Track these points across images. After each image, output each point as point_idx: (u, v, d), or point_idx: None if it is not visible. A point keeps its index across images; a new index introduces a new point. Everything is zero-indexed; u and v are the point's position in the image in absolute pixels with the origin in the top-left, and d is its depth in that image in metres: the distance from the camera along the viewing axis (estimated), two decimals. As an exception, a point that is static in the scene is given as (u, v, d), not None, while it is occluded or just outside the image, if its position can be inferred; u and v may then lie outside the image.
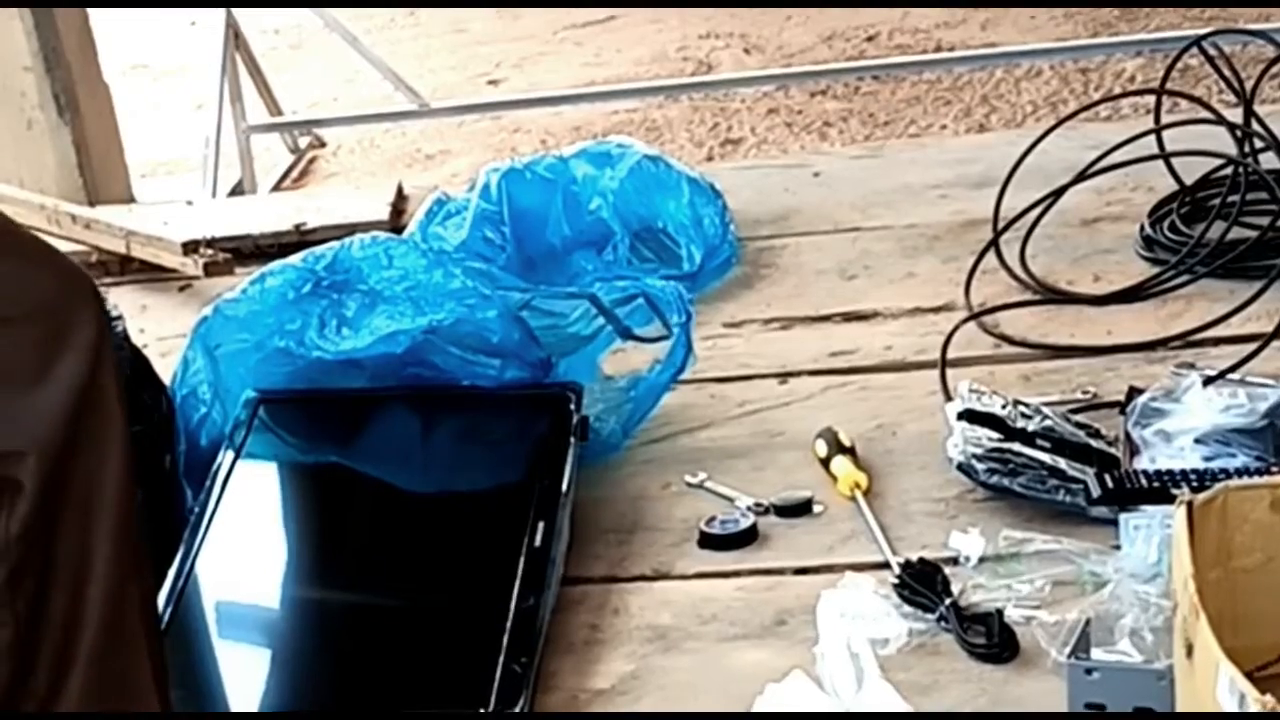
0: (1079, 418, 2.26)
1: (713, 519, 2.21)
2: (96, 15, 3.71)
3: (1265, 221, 2.63)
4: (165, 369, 2.38)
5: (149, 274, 3.15)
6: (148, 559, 1.54)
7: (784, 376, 2.55)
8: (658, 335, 2.39)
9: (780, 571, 2.13)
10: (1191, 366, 2.30)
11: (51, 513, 1.44)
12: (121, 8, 4.92)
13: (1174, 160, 2.80)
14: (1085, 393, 2.37)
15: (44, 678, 1.44)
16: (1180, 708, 1.64)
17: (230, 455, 2.27)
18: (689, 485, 2.31)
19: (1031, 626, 1.93)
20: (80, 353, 1.45)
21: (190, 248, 3.05)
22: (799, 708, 1.79)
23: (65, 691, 1.44)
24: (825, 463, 2.27)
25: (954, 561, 2.05)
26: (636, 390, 2.38)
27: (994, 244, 2.75)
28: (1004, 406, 2.23)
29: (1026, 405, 2.24)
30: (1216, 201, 2.73)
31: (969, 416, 2.21)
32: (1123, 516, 2.01)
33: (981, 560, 2.04)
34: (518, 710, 1.90)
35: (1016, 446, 2.16)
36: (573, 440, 2.23)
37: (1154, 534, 1.91)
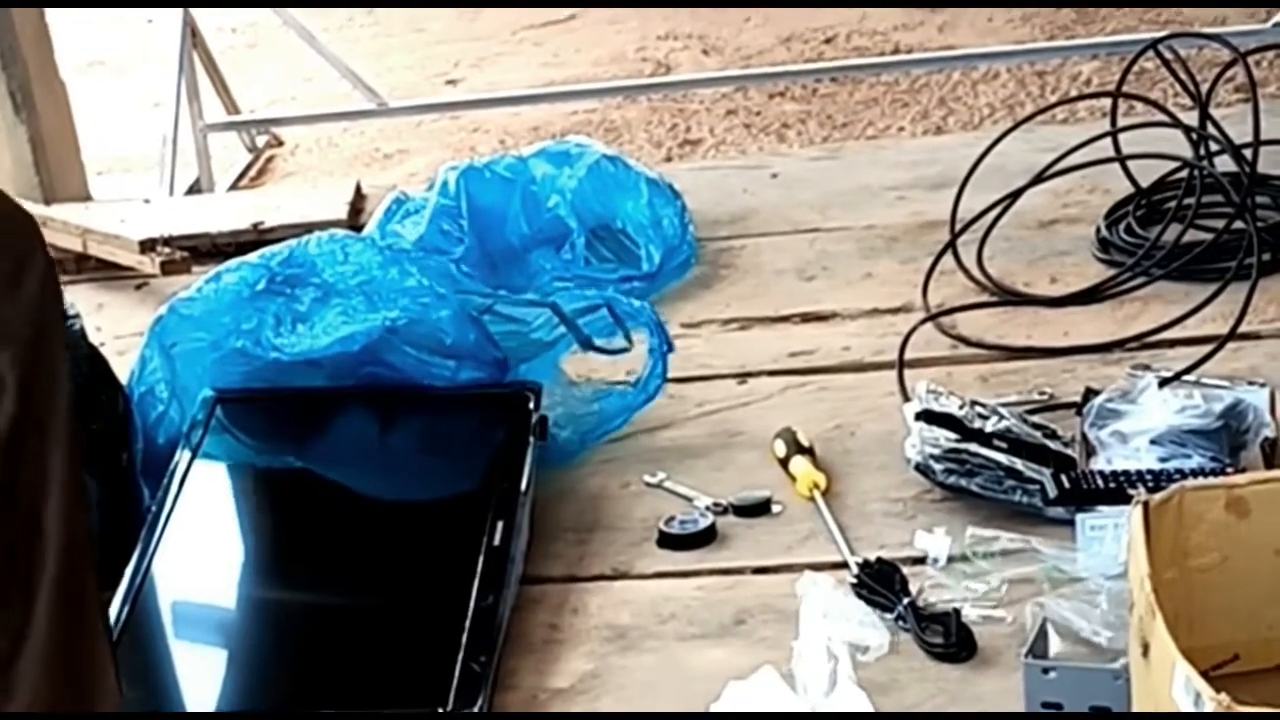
0: (1036, 418, 2.27)
1: (672, 519, 2.21)
2: (53, 12, 3.69)
3: (1220, 224, 2.65)
4: (122, 367, 2.37)
5: (105, 272, 3.14)
6: (89, 502, 1.54)
7: (743, 377, 2.56)
8: (619, 347, 2.39)
9: (739, 571, 2.13)
10: (1147, 368, 2.32)
11: (17, 431, 1.43)
12: (78, 7, 4.90)
13: (1130, 163, 2.82)
14: (1042, 394, 2.38)
15: (15, 608, 1.43)
16: (1136, 707, 1.65)
17: (187, 455, 2.26)
18: (648, 485, 2.31)
19: (989, 626, 1.94)
20: (38, 277, 1.46)
21: (147, 246, 3.04)
22: (764, 705, 1.79)
23: (34, 622, 1.44)
24: (784, 463, 2.28)
25: (912, 561, 2.06)
26: (600, 405, 2.38)
27: (951, 245, 2.76)
28: (961, 407, 2.24)
29: (984, 406, 2.25)
30: (1172, 204, 2.74)
31: (927, 417, 2.22)
32: (1079, 517, 2.02)
33: (949, 560, 2.05)
34: (476, 709, 1.90)
35: (974, 447, 2.17)
36: (532, 439, 2.23)
37: (1121, 533, 1.92)
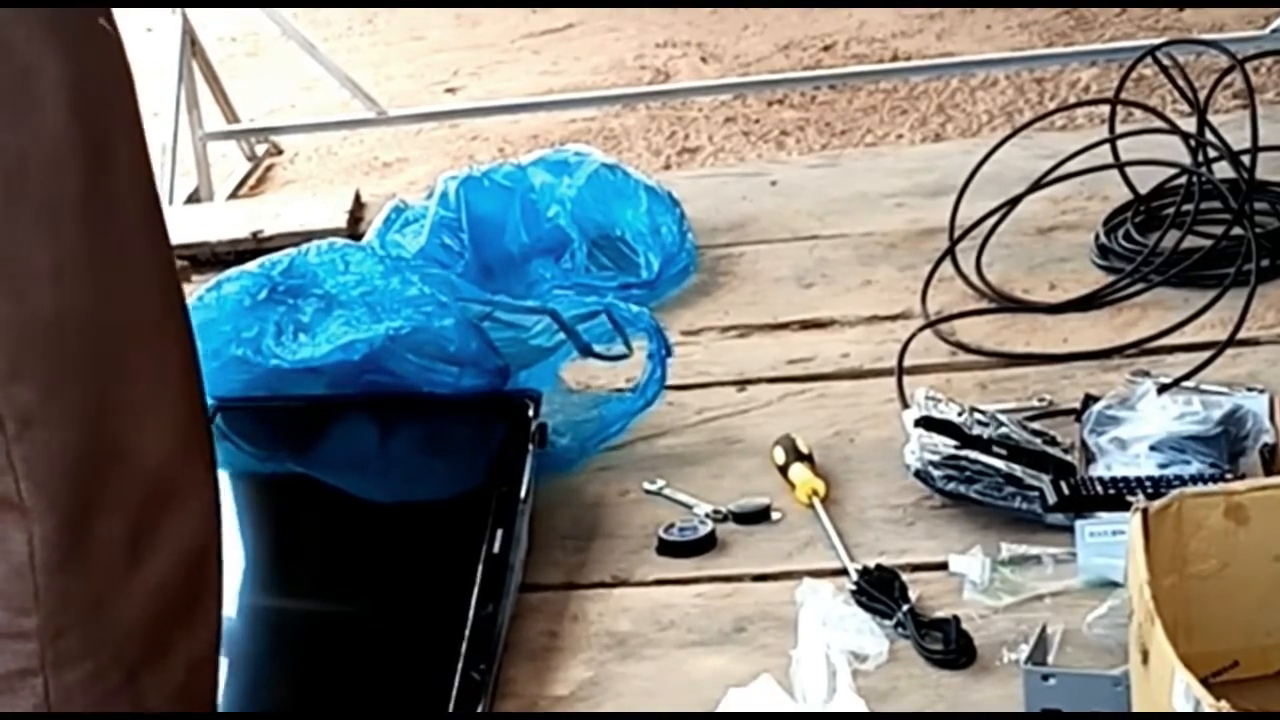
0: (1035, 425, 2.27)
1: (671, 526, 2.21)
2: (52, 21, 3.68)
3: (1219, 230, 2.65)
4: (122, 376, 2.37)
5: (105, 281, 3.13)
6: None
7: (742, 384, 2.56)
8: (619, 353, 2.39)
9: (739, 578, 2.13)
10: (1146, 374, 2.32)
11: None
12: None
13: (1129, 169, 2.82)
14: (1041, 400, 2.38)
15: None
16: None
17: (187, 462, 2.26)
18: (647, 492, 2.31)
19: (989, 632, 1.94)
20: None
21: (147, 255, 3.04)
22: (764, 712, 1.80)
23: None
24: (783, 470, 2.28)
25: (912, 568, 2.06)
26: (600, 411, 2.38)
27: (950, 252, 2.76)
28: (960, 414, 2.24)
29: (983, 412, 2.25)
30: (1171, 210, 2.75)
31: (926, 424, 2.22)
32: (1078, 523, 2.02)
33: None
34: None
35: (973, 454, 2.17)
36: (531, 447, 2.23)
37: (1120, 540, 1.92)
